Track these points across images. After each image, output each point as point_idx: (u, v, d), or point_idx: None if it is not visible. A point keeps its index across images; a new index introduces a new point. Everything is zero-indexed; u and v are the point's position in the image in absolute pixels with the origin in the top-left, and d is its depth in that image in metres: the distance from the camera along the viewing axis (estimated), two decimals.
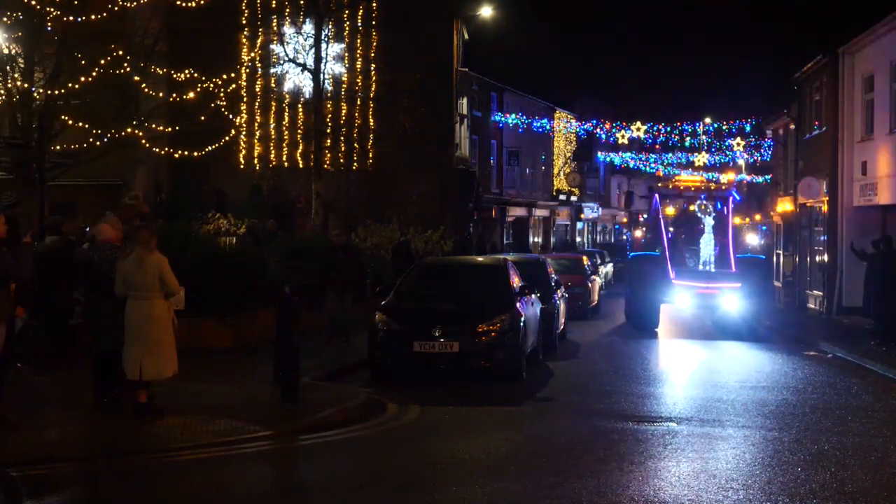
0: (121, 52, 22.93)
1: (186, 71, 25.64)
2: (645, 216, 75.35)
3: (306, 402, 13.93)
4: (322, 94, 32.14)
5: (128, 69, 23.21)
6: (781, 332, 28.41)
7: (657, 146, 55.56)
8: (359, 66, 36.02)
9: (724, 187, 30.03)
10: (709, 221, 28.02)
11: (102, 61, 22.43)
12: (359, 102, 35.34)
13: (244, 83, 33.50)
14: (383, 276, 24.73)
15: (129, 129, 23.94)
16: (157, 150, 26.52)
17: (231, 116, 29.44)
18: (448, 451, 11.91)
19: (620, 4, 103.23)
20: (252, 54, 34.74)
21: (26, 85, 22.21)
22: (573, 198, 65.16)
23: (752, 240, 48.43)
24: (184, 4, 24.41)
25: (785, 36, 51.60)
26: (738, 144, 50.36)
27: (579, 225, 71.29)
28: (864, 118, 31.27)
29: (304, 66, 32.39)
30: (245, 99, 34.68)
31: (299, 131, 35.05)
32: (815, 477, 10.67)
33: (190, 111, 25.71)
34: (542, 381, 17.64)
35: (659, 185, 31.77)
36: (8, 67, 22.40)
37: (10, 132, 22.96)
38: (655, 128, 50.83)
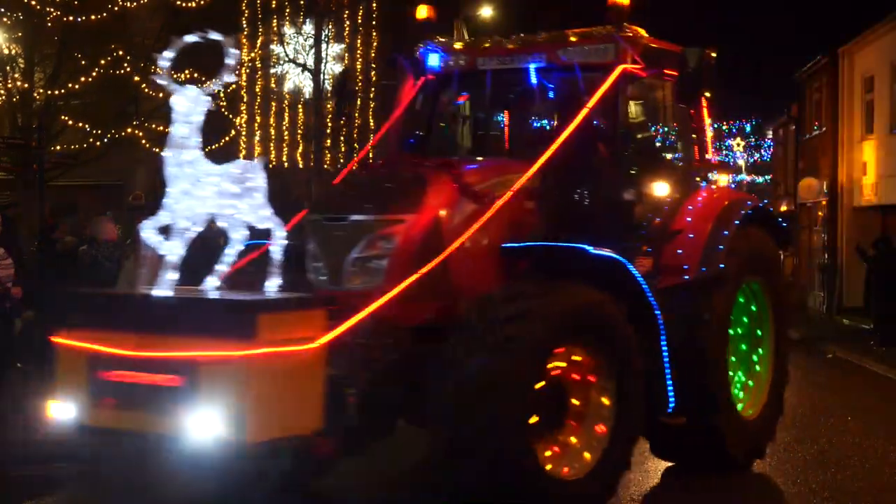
0: (121, 53, 22.92)
1: (186, 71, 25.64)
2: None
3: None
4: (322, 94, 32.16)
5: (128, 69, 23.21)
6: None
7: None
8: (359, 67, 36.06)
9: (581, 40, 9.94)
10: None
11: (102, 61, 22.43)
12: (359, 103, 35.36)
13: (244, 83, 33.53)
14: None
15: (129, 130, 23.94)
16: (157, 150, 26.50)
17: (231, 117, 29.45)
18: None
19: None
20: (252, 54, 34.76)
21: (26, 85, 22.21)
22: None
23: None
24: (184, 5, 24.41)
25: (785, 36, 51.64)
26: (738, 145, 50.30)
27: None
28: (864, 118, 31.27)
29: (304, 67, 32.42)
30: (245, 99, 34.72)
31: (299, 131, 35.08)
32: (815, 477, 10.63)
33: None
34: None
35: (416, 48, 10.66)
36: (8, 68, 22.40)
37: (10, 132, 22.96)
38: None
